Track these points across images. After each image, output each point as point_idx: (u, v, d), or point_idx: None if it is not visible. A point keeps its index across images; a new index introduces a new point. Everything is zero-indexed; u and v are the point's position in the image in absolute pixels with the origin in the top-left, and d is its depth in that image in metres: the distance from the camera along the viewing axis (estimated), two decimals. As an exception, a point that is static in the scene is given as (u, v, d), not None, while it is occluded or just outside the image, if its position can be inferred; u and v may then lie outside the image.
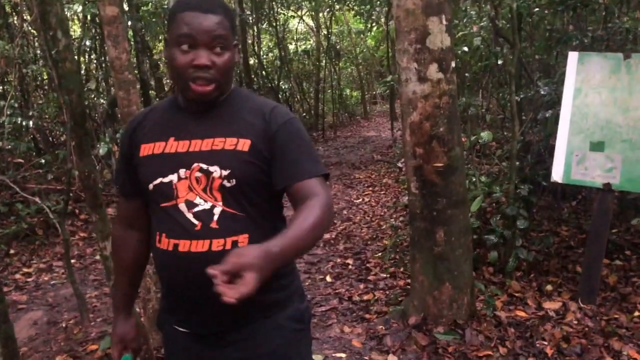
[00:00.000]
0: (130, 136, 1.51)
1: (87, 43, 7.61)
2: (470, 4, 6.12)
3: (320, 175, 1.42)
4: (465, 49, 4.58)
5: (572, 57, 3.50)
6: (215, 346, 1.46)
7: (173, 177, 1.40)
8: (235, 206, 1.40)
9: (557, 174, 3.50)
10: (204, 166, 1.38)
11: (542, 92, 4.16)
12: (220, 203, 1.39)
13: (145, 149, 1.46)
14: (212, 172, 1.38)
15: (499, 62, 4.69)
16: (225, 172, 1.38)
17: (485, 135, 4.08)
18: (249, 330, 1.46)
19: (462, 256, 3.24)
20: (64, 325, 3.89)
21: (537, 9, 4.53)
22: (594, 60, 3.44)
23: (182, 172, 1.40)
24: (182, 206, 1.39)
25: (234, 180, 1.38)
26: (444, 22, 2.97)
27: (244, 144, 1.40)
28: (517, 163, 4.01)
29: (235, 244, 1.38)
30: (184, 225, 1.38)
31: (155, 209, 1.46)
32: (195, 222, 1.38)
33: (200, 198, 1.39)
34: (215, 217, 1.38)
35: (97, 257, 5.42)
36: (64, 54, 2.62)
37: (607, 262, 3.91)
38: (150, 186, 1.43)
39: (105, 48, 3.82)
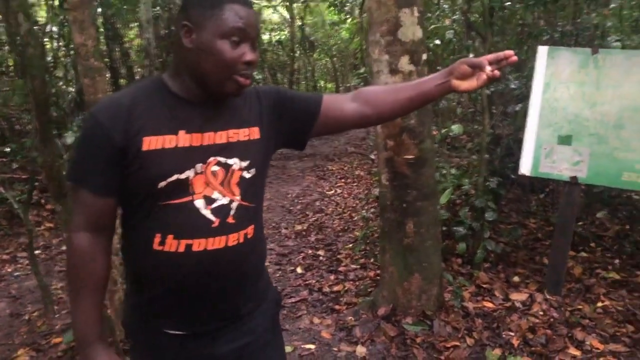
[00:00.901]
0: (124, 125, 1.30)
1: (55, 29, 7.41)
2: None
3: None
4: (438, 42, 4.59)
5: (542, 51, 3.54)
6: (208, 344, 1.43)
7: (190, 173, 1.32)
8: (250, 198, 1.40)
9: (526, 167, 3.54)
10: (222, 159, 1.36)
11: (513, 86, 4.20)
12: (238, 197, 1.37)
13: (152, 142, 1.30)
14: (231, 165, 1.36)
15: (471, 55, 4.71)
16: (244, 164, 1.38)
17: (455, 128, 4.10)
18: (243, 320, 1.47)
19: (431, 247, 3.26)
20: (27, 317, 3.81)
21: (508, 3, 4.56)
22: (563, 54, 3.48)
23: (198, 166, 1.33)
24: (199, 202, 1.33)
25: (253, 170, 1.40)
26: (416, 14, 2.96)
27: (255, 132, 1.43)
28: (487, 156, 4.05)
29: (245, 236, 1.39)
30: (199, 222, 1.32)
31: (153, 207, 1.32)
32: (213, 218, 1.33)
33: (219, 193, 1.35)
34: (232, 212, 1.36)
35: (64, 248, 5.31)
36: (26, 38, 2.54)
37: (573, 254, 3.98)
38: (163, 183, 1.29)
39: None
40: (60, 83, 7.14)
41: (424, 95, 1.50)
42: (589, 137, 3.37)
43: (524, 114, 4.08)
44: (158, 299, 1.39)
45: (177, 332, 1.41)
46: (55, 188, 2.77)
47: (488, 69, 1.38)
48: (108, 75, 10.11)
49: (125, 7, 9.21)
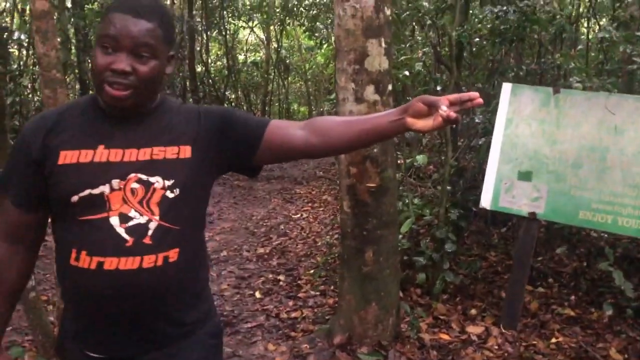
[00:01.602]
0: (42, 140, 1.33)
1: (22, 37, 7.29)
2: (419, 30, 6.26)
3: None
4: (407, 73, 4.65)
5: (506, 88, 3.62)
6: None
7: (105, 189, 1.30)
8: (172, 219, 1.33)
9: (486, 201, 3.58)
10: (144, 177, 1.32)
11: (477, 120, 4.27)
12: (157, 217, 1.31)
13: (67, 157, 1.32)
14: (153, 183, 1.32)
15: (438, 88, 4.80)
16: (168, 182, 1.33)
17: (420, 158, 4.14)
18: (169, 350, 1.40)
19: (389, 277, 3.25)
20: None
21: (477, 39, 4.67)
22: (526, 92, 3.56)
23: (115, 182, 1.30)
24: (114, 220, 1.29)
25: (177, 190, 1.33)
26: (383, 45, 3.00)
27: (185, 151, 1.37)
28: (449, 187, 4.09)
29: (166, 259, 1.32)
30: (112, 241, 1.29)
31: (71, 223, 1.32)
32: (127, 237, 1.29)
33: (136, 211, 1.30)
34: (150, 232, 1.31)
35: None
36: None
37: (530, 289, 4.02)
38: (75, 198, 1.29)
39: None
40: (27, 92, 6.99)
41: (377, 131, 1.38)
42: (547, 174, 3.44)
43: (487, 147, 4.15)
44: (78, 318, 1.38)
45: (96, 355, 1.37)
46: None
47: (443, 109, 1.22)
48: (77, 86, 9.97)
49: (97, 19, 9.12)
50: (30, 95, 7.92)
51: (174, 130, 1.40)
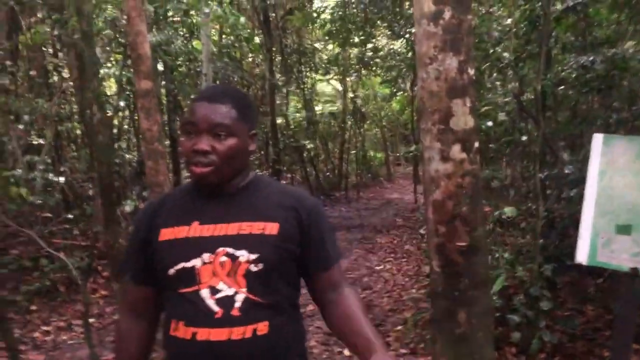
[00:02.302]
0: (149, 220, 1.51)
1: (122, 103, 7.87)
2: (495, 77, 6.22)
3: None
4: (490, 123, 4.63)
5: (597, 139, 3.50)
6: None
7: (196, 262, 1.40)
8: (259, 292, 1.40)
9: (582, 256, 3.43)
10: (230, 250, 1.40)
11: (567, 171, 4.15)
12: (244, 289, 1.39)
13: (166, 234, 1.45)
14: (238, 257, 1.40)
15: (523, 137, 4.71)
16: (252, 257, 1.40)
17: (509, 211, 4.06)
18: None
19: (483, 338, 3.16)
20: (78, 389, 3.87)
21: (561, 88, 4.58)
22: (618, 143, 3.43)
23: (205, 256, 1.40)
24: (205, 292, 1.39)
25: (261, 264, 1.41)
26: (468, 104, 3.02)
27: (272, 228, 1.44)
28: (541, 241, 3.96)
29: (255, 332, 1.38)
30: (204, 312, 1.37)
31: (171, 295, 1.44)
32: (216, 309, 1.37)
33: (224, 284, 1.39)
34: (237, 305, 1.38)
35: (116, 317, 5.42)
36: (97, 127, 2.74)
37: (638, 348, 3.77)
38: (171, 271, 1.41)
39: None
40: (128, 156, 7.50)
41: (355, 352, 1.46)
42: (649, 227, 3.26)
43: (579, 198, 4.01)
44: None
45: None
46: (114, 267, 2.88)
47: None
48: (167, 142, 10.56)
49: (187, 81, 9.71)
50: (126, 157, 8.45)
51: (264, 207, 1.48)
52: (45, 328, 5.08)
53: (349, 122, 15.91)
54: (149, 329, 1.58)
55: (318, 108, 17.14)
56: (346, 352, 4.27)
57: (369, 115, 18.14)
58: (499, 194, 5.87)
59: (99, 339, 4.72)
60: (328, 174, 15.90)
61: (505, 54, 5.05)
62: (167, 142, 10.47)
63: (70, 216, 6.66)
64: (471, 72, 3.06)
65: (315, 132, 15.24)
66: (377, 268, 7.07)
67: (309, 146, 14.94)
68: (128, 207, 5.97)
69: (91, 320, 5.08)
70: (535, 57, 4.55)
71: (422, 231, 8.21)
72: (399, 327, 4.66)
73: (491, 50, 5.22)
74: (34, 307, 5.47)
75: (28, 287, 5.51)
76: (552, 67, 4.80)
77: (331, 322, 1.53)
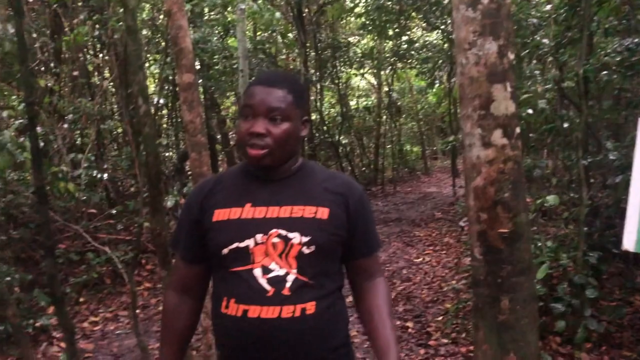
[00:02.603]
0: (201, 201, 1.55)
1: (162, 101, 8.04)
2: (534, 65, 6.10)
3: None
4: (530, 111, 4.55)
5: (643, 122, 3.41)
6: None
7: (249, 242, 1.45)
8: (308, 274, 1.45)
9: (629, 243, 3.34)
10: (283, 232, 1.45)
11: (612, 157, 4.05)
12: (295, 270, 1.43)
13: (220, 214, 1.50)
14: (291, 239, 1.45)
15: (565, 125, 4.62)
16: (305, 239, 1.45)
17: (551, 199, 3.98)
18: None
19: (527, 325, 3.12)
20: (127, 376, 3.99)
21: (605, 72, 4.47)
22: (666, 126, 3.34)
23: (259, 237, 1.45)
24: (257, 271, 1.43)
25: (313, 247, 1.45)
26: (509, 89, 2.98)
27: (324, 212, 1.49)
28: (585, 229, 3.88)
29: (303, 311, 1.43)
30: (256, 290, 1.42)
31: (224, 274, 1.49)
32: (268, 287, 1.42)
33: (276, 264, 1.43)
34: (288, 284, 1.42)
35: (161, 308, 5.56)
36: (143, 119, 2.81)
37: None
38: (225, 251, 1.46)
39: (180, 111, 4.04)
40: (170, 153, 7.65)
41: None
42: (699, 213, 3.17)
43: (625, 185, 3.91)
44: None
45: None
46: (161, 255, 2.96)
47: None
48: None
49: (223, 78, 9.85)
50: (166, 153, 8.64)
51: (315, 191, 1.52)
52: (93, 319, 5.25)
53: (384, 116, 15.83)
54: (195, 306, 1.63)
55: (352, 103, 17.12)
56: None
57: (405, 109, 18.02)
58: (540, 183, 5.76)
59: (144, 329, 4.85)
60: (364, 168, 15.86)
61: (545, 41, 4.96)
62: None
63: (113, 212, 6.85)
64: (511, 56, 3.02)
65: (350, 127, 15.23)
66: (416, 261, 7.04)
67: (344, 141, 14.95)
68: (169, 202, 6.09)
69: (136, 311, 5.22)
70: (576, 42, 4.45)
71: (461, 223, 8.13)
72: (440, 318, 4.64)
73: (530, 38, 5.13)
74: (82, 299, 5.66)
75: (76, 279, 5.70)
76: (595, 52, 4.69)
77: (358, 311, 1.62)
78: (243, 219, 1.48)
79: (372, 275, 1.61)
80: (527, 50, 4.93)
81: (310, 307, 1.44)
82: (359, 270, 1.61)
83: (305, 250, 1.44)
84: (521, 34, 5.06)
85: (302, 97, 1.53)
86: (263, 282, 1.43)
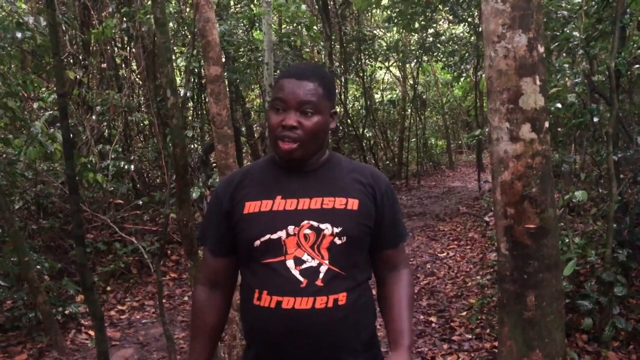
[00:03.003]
0: (231, 194, 1.55)
1: (188, 94, 8.10)
2: (563, 58, 5.99)
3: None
4: (559, 105, 4.47)
5: (677, 117, 3.34)
6: None
7: (282, 234, 1.45)
8: (340, 264, 1.46)
9: (660, 240, 3.29)
10: (315, 223, 1.46)
11: (643, 152, 3.97)
12: (327, 261, 1.44)
13: (251, 206, 1.50)
14: (323, 230, 1.45)
15: (595, 119, 4.53)
16: (337, 230, 1.46)
17: (579, 194, 3.92)
18: None
19: (553, 322, 3.09)
20: (152, 364, 4.05)
21: (637, 66, 4.37)
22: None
23: (290, 229, 1.46)
24: (290, 263, 1.44)
25: (344, 237, 1.46)
26: (538, 82, 2.94)
27: (353, 204, 1.50)
28: (615, 225, 3.81)
29: (336, 302, 1.44)
30: (290, 281, 1.43)
31: (255, 266, 1.49)
32: (301, 279, 1.43)
33: (308, 255, 1.44)
34: (321, 275, 1.44)
35: (186, 299, 5.63)
36: (171, 111, 2.84)
37: None
38: (257, 243, 1.46)
39: (207, 103, 4.05)
40: (195, 145, 7.75)
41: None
42: None
43: (657, 182, 3.84)
44: (258, 354, 1.52)
45: None
46: (188, 245, 2.99)
47: None
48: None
49: (248, 71, 9.88)
50: (192, 146, 8.71)
51: (343, 183, 1.53)
52: (120, 307, 5.35)
53: (409, 110, 15.72)
54: (225, 300, 1.64)
55: (377, 96, 17.03)
56: (410, 336, 4.27)
57: (430, 102, 17.86)
58: (568, 179, 5.68)
59: (169, 319, 4.92)
60: (388, 162, 15.80)
61: (575, 34, 4.86)
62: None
63: (140, 202, 6.94)
64: (541, 49, 2.97)
65: (375, 121, 15.17)
66: (440, 255, 7.00)
67: (368, 135, 14.89)
68: (194, 194, 6.16)
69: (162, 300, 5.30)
70: (608, 35, 4.36)
71: (486, 218, 8.06)
72: (464, 313, 4.62)
73: (560, 31, 5.03)
74: (109, 288, 5.76)
75: (103, 269, 5.80)
76: (627, 45, 4.58)
77: (379, 300, 1.63)
78: (274, 211, 1.48)
79: (397, 266, 1.62)
80: (556, 43, 4.84)
81: (342, 298, 1.45)
82: (384, 260, 1.61)
83: (337, 241, 1.45)
84: (551, 26, 4.97)
85: (331, 90, 1.53)
86: (296, 273, 1.43)
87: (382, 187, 1.56)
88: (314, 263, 1.44)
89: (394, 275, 1.61)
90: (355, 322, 1.49)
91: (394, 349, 1.48)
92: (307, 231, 1.45)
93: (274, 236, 1.46)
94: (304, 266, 1.43)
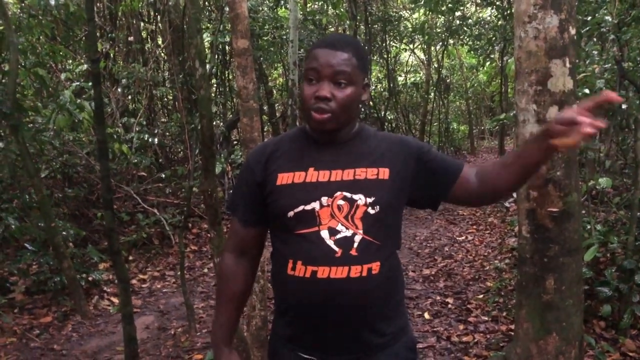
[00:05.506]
0: (264, 165, 1.55)
1: (213, 69, 8.14)
2: (593, 43, 5.89)
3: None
4: (587, 91, 4.41)
5: None
6: None
7: (315, 205, 1.46)
8: (374, 234, 1.47)
9: (685, 229, 3.26)
10: (348, 194, 1.47)
11: (671, 140, 3.90)
12: (361, 231, 1.45)
13: (284, 178, 1.50)
14: (356, 200, 1.46)
15: (624, 106, 4.47)
16: (370, 200, 1.46)
17: (603, 181, 3.88)
18: (371, 359, 1.51)
19: (572, 307, 3.09)
20: (172, 332, 4.15)
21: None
22: None
23: (324, 200, 1.46)
24: (324, 233, 1.45)
25: (377, 207, 1.47)
26: (568, 65, 2.91)
27: (384, 173, 1.50)
28: (639, 213, 3.78)
29: (370, 271, 1.45)
30: (324, 251, 1.44)
31: (288, 236, 1.49)
32: (336, 249, 1.44)
33: (342, 225, 1.45)
34: (355, 245, 1.45)
35: (205, 270, 5.73)
36: (199, 82, 2.87)
37: None
38: (291, 213, 1.46)
39: (234, 77, 4.06)
40: (218, 120, 7.78)
41: (533, 162, 1.42)
42: None
43: (684, 170, 3.78)
44: (292, 323, 1.53)
45: (309, 357, 1.51)
46: (212, 215, 3.04)
47: (584, 123, 1.20)
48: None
49: (272, 49, 9.86)
50: (215, 122, 8.78)
51: (374, 154, 1.53)
52: (141, 276, 5.46)
53: (432, 93, 15.59)
54: (252, 268, 1.66)
55: (400, 78, 16.90)
56: (426, 316, 4.31)
57: (454, 86, 17.69)
58: (592, 166, 5.61)
59: (189, 289, 5.01)
60: (409, 145, 15.70)
61: (607, 18, 4.77)
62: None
63: (163, 175, 7.04)
64: (572, 31, 2.93)
65: (397, 103, 15.08)
66: (459, 239, 7.00)
67: (390, 117, 14.82)
68: (217, 170, 6.23)
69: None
70: (641, 20, 4.27)
71: (506, 204, 8.01)
72: (480, 295, 4.63)
73: (592, 15, 4.94)
74: (131, 258, 5.87)
75: (126, 238, 5.91)
76: (660, 30, 4.49)
77: (488, 179, 1.54)
78: (308, 182, 1.49)
79: (474, 171, 1.57)
80: (587, 28, 4.76)
81: (376, 267, 1.46)
82: (465, 181, 1.55)
83: (371, 211, 1.46)
84: (582, 10, 4.88)
85: (365, 61, 1.53)
86: (331, 243, 1.44)
87: (412, 147, 1.57)
88: (349, 233, 1.45)
89: (479, 170, 1.57)
90: (388, 290, 1.51)
91: (541, 141, 1.37)
92: (341, 202, 1.46)
93: (308, 207, 1.46)
94: (338, 236, 1.44)
